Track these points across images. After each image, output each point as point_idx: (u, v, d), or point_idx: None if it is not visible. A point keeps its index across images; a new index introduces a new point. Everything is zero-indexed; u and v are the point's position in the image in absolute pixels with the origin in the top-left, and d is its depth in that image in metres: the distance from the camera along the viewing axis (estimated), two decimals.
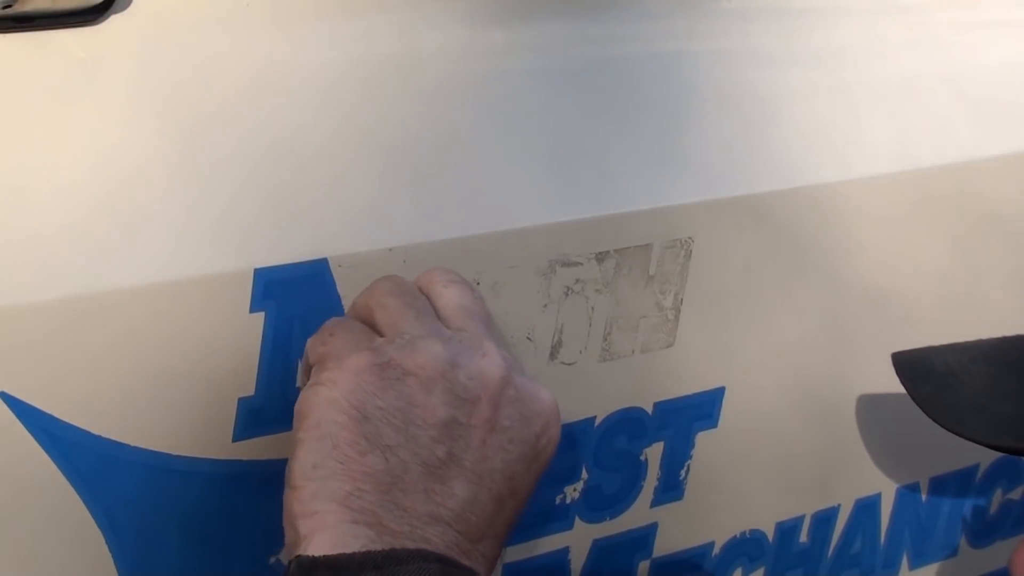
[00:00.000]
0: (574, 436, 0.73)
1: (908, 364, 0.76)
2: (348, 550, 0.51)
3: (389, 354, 0.55)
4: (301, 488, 0.53)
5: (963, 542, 0.99)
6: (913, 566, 0.97)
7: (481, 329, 0.59)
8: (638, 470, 0.77)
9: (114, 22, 0.60)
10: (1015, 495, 1.00)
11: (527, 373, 0.61)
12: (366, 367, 0.55)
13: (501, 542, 0.58)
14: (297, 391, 0.58)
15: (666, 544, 0.81)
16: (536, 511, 0.74)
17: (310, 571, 0.50)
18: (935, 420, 0.73)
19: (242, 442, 0.61)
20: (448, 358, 0.56)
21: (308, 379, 0.57)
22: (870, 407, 0.86)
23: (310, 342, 0.58)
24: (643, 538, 0.79)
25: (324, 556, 0.51)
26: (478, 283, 0.66)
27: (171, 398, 0.59)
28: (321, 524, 0.52)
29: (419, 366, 0.55)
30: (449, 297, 0.60)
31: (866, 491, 0.90)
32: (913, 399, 0.74)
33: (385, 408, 0.54)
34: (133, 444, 0.58)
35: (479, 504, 0.55)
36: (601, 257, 0.69)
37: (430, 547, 0.53)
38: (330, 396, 0.54)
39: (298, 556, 0.51)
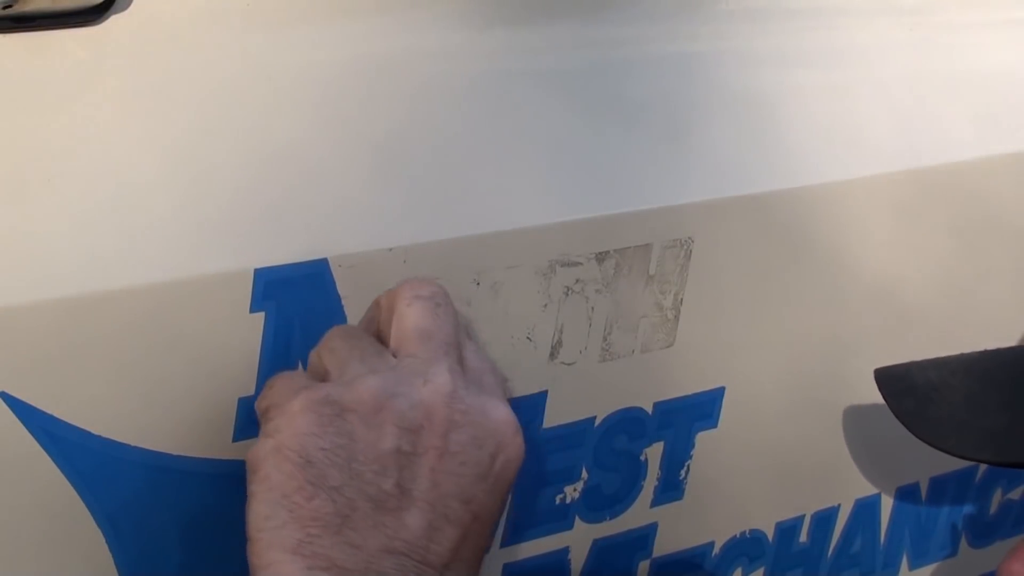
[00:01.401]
0: (574, 436, 0.73)
1: (890, 379, 0.76)
2: None
3: (326, 391, 0.55)
4: (256, 540, 0.54)
5: (963, 542, 0.99)
6: (913, 566, 0.97)
7: (435, 351, 0.58)
8: (638, 470, 0.77)
9: (114, 22, 0.60)
10: (1015, 495, 1.00)
11: (504, 381, 0.61)
12: (303, 408, 0.54)
13: (473, 565, 0.57)
14: None
15: (666, 544, 0.81)
16: (536, 511, 0.74)
17: None
18: (917, 435, 0.73)
19: (242, 442, 0.61)
20: (386, 389, 0.55)
21: None
22: (870, 407, 0.86)
23: (259, 398, 0.58)
24: (643, 538, 0.79)
25: None
26: (478, 283, 0.66)
27: (171, 398, 0.59)
28: (276, 574, 0.52)
29: (357, 401, 0.55)
30: (408, 319, 0.59)
31: (866, 491, 0.90)
32: (895, 414, 0.74)
33: (327, 449, 0.54)
34: (133, 444, 0.58)
35: (437, 532, 0.55)
36: (601, 257, 0.69)
37: None
38: (275, 445, 0.54)
39: None
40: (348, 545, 0.53)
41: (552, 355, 0.70)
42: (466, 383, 0.58)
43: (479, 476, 0.57)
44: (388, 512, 0.54)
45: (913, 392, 0.75)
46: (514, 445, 0.58)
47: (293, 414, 0.54)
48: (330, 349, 0.58)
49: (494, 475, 0.57)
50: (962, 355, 0.77)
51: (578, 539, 0.76)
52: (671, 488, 0.79)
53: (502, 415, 0.58)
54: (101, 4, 0.59)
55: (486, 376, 0.60)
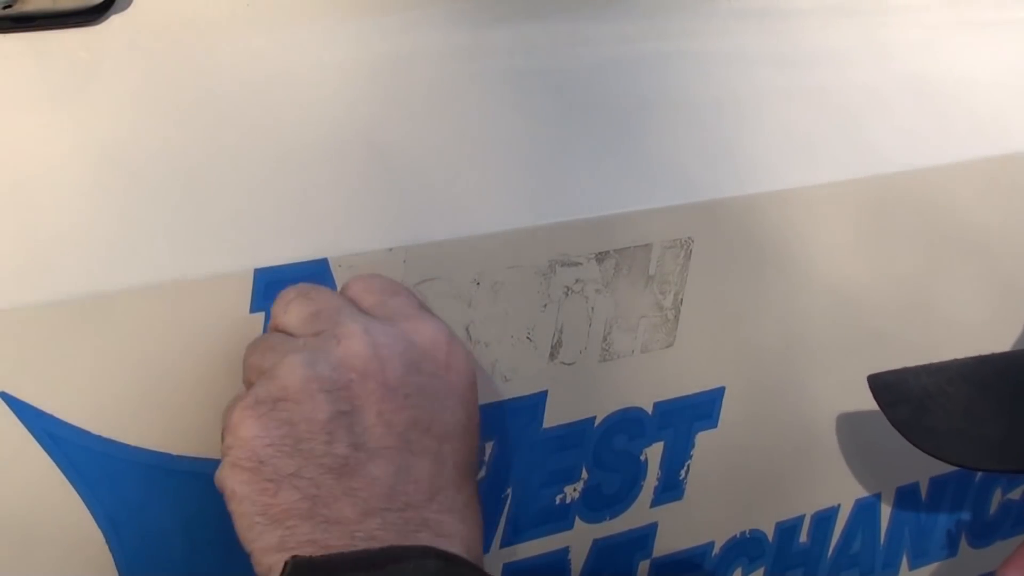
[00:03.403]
0: (574, 436, 0.73)
1: (885, 387, 0.76)
2: None
3: (253, 393, 0.56)
4: (251, 552, 0.55)
5: (963, 542, 0.99)
6: (913, 566, 0.97)
7: (329, 318, 0.58)
8: (638, 470, 0.77)
9: (114, 22, 0.60)
10: (1015, 495, 1.00)
11: (409, 293, 0.60)
12: (240, 418, 0.55)
13: (463, 486, 0.57)
14: None
15: (666, 544, 0.81)
16: (536, 511, 0.74)
17: (305, 572, 0.51)
18: (914, 444, 0.73)
19: None
20: (304, 362, 0.56)
21: None
22: (870, 407, 0.86)
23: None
24: (643, 538, 0.79)
25: (321, 556, 0.51)
26: (478, 283, 0.66)
27: (171, 398, 0.59)
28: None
29: (282, 387, 0.55)
30: (291, 318, 0.59)
31: (866, 491, 0.90)
32: (891, 423, 0.74)
33: (273, 443, 0.55)
34: (133, 444, 0.58)
35: (409, 471, 0.55)
36: (601, 257, 0.69)
37: (376, 543, 0.53)
38: (231, 462, 0.55)
39: (294, 557, 0.52)
40: (327, 523, 0.54)
41: (552, 355, 0.70)
42: (378, 320, 0.58)
43: (431, 397, 0.57)
44: (353, 475, 0.55)
45: (908, 400, 0.75)
46: (453, 354, 0.58)
47: (235, 427, 0.55)
48: (248, 366, 0.59)
49: (446, 388, 0.57)
50: (956, 360, 0.77)
51: (578, 539, 0.76)
52: (671, 488, 0.79)
53: (428, 332, 0.58)
54: (101, 4, 0.59)
55: (391, 302, 0.59)
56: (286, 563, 0.51)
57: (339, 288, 0.61)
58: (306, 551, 0.53)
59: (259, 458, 0.55)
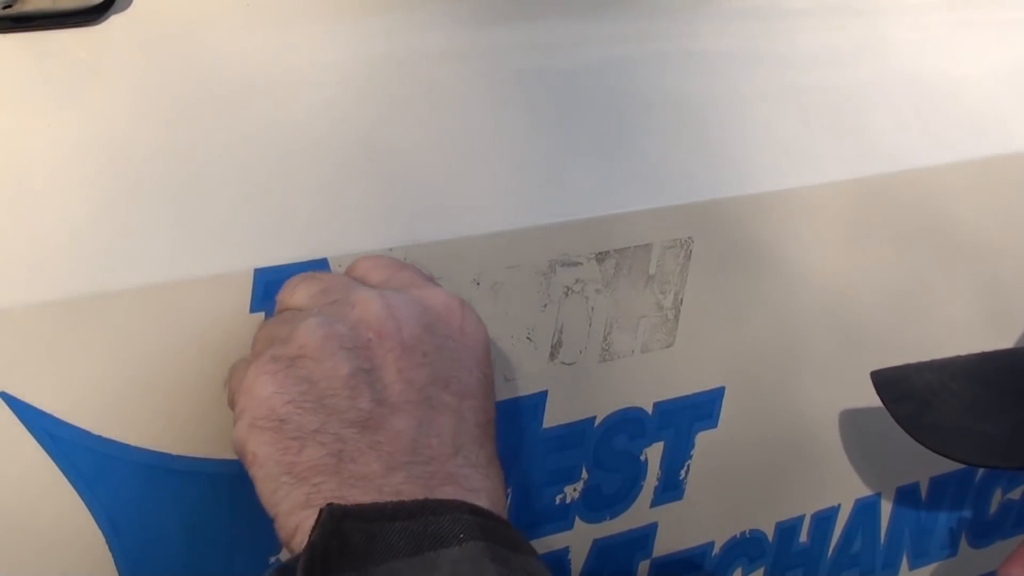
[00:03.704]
0: (574, 436, 0.73)
1: (888, 384, 0.76)
2: None
3: (269, 353, 0.56)
4: (275, 515, 0.54)
5: (963, 542, 0.99)
6: (913, 566, 0.97)
7: (340, 290, 0.58)
8: (638, 470, 0.77)
9: (114, 22, 0.60)
10: (1014, 495, 1.00)
11: (414, 267, 0.61)
12: (255, 376, 0.55)
13: (484, 442, 0.57)
14: None
15: (666, 544, 0.81)
16: (536, 511, 0.74)
17: (340, 520, 0.50)
18: (918, 440, 0.73)
19: None
20: (322, 322, 0.56)
21: None
22: (870, 407, 0.86)
23: (228, 389, 0.59)
24: (643, 538, 0.79)
25: (355, 505, 0.51)
26: (478, 283, 0.66)
27: (171, 398, 0.59)
28: (304, 533, 0.52)
29: (300, 345, 0.55)
30: (298, 297, 0.59)
31: (866, 491, 0.90)
32: (895, 419, 0.74)
33: (293, 400, 0.54)
34: (133, 444, 0.58)
35: (431, 426, 0.55)
36: (601, 257, 0.69)
37: (403, 497, 0.53)
38: (247, 424, 0.55)
39: (329, 505, 0.51)
40: (354, 478, 0.53)
41: (552, 355, 0.70)
42: (390, 289, 0.58)
43: (448, 357, 0.57)
44: (376, 429, 0.54)
45: (912, 396, 0.75)
46: (467, 318, 0.58)
47: (250, 386, 0.55)
48: (258, 339, 0.59)
49: (461, 352, 0.58)
50: (959, 357, 0.77)
51: (578, 539, 0.76)
52: (671, 488, 0.79)
53: (440, 297, 0.58)
54: (101, 4, 0.59)
55: (400, 275, 0.60)
56: (321, 511, 0.50)
57: (348, 268, 0.61)
58: None
59: (279, 416, 0.54)
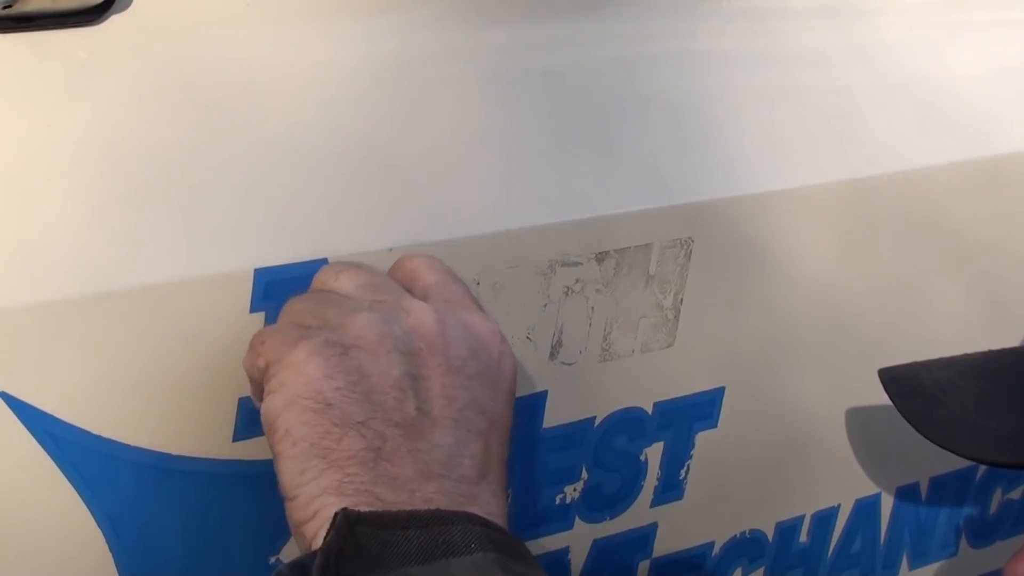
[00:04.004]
0: (574, 436, 0.73)
1: (896, 380, 0.76)
2: None
3: (324, 336, 0.55)
4: (296, 496, 0.53)
5: (963, 542, 0.99)
6: (913, 566, 0.97)
7: (393, 291, 0.58)
8: (638, 470, 0.77)
9: (114, 22, 0.60)
10: (1015, 495, 1.00)
11: (467, 289, 0.61)
12: (307, 356, 0.54)
13: (501, 476, 0.57)
14: None
15: (666, 544, 0.81)
16: (536, 511, 0.74)
17: (354, 525, 0.50)
18: (926, 436, 0.73)
19: (242, 442, 0.61)
20: (381, 319, 0.55)
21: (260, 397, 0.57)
22: (870, 407, 0.86)
23: (246, 362, 0.57)
24: (643, 538, 0.79)
25: (369, 512, 0.51)
26: (478, 283, 0.66)
27: (171, 398, 0.59)
28: (324, 519, 0.51)
29: (358, 336, 0.55)
30: (345, 285, 0.58)
31: (866, 491, 0.90)
32: (903, 416, 0.74)
33: (342, 387, 0.54)
34: (133, 444, 0.58)
35: (464, 447, 0.55)
36: (601, 257, 0.69)
37: (432, 506, 0.53)
38: (287, 400, 0.54)
39: (344, 509, 0.50)
40: (387, 476, 0.53)
41: (552, 355, 0.70)
42: (440, 304, 0.58)
43: (485, 385, 0.57)
44: (417, 436, 0.54)
45: (920, 393, 0.75)
46: (504, 353, 0.59)
47: (299, 363, 0.54)
48: (297, 310, 0.58)
49: (497, 381, 0.58)
50: (967, 355, 0.77)
51: (578, 539, 0.76)
52: (671, 488, 0.79)
53: (486, 325, 0.59)
54: (101, 4, 0.59)
55: (450, 287, 0.60)
56: (336, 514, 0.50)
57: (397, 262, 0.61)
58: (362, 500, 0.52)
59: (327, 400, 0.53)
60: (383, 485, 0.53)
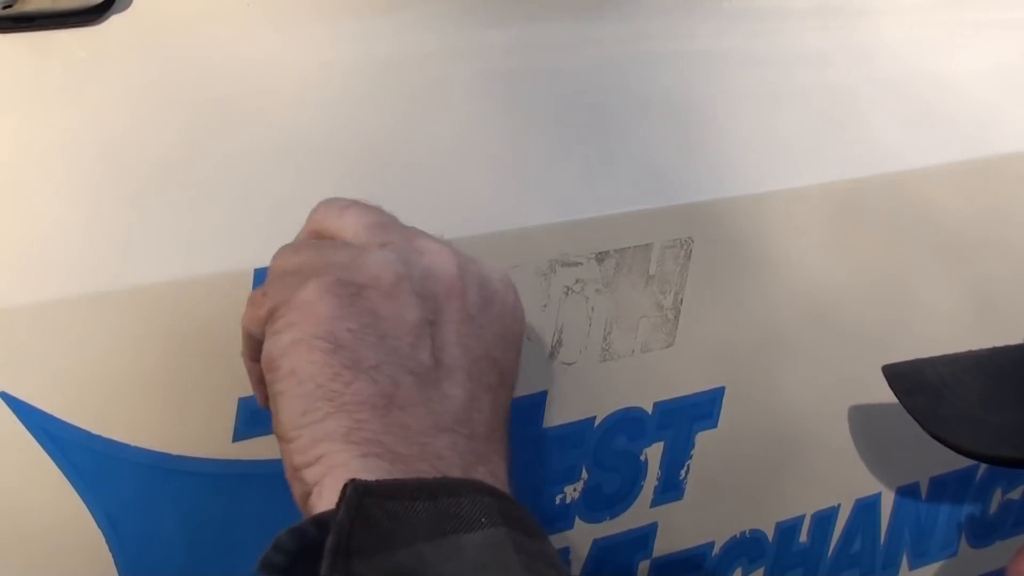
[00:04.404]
0: (574, 436, 0.73)
1: (901, 376, 0.76)
2: None
3: (336, 274, 0.51)
4: (297, 438, 0.50)
5: (963, 542, 0.99)
6: (913, 566, 0.97)
7: (402, 235, 0.54)
8: (638, 470, 0.77)
9: (114, 22, 0.60)
10: (1015, 495, 1.00)
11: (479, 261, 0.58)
12: (319, 295, 0.50)
13: (505, 437, 0.55)
14: None
15: (666, 544, 0.81)
16: (536, 511, 0.74)
17: (363, 496, 0.46)
18: (930, 433, 0.73)
19: (242, 442, 0.61)
20: (398, 259, 0.52)
21: (254, 368, 0.53)
22: (870, 406, 0.86)
23: (245, 318, 0.53)
24: (643, 538, 0.79)
25: (378, 481, 0.47)
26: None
27: (171, 398, 0.59)
28: (329, 466, 0.49)
29: (373, 276, 0.51)
30: (350, 224, 0.54)
31: (866, 491, 0.90)
32: (908, 411, 0.74)
33: (355, 329, 0.50)
34: (133, 444, 0.58)
35: (477, 400, 0.53)
36: (601, 257, 0.69)
37: (443, 463, 0.50)
38: (295, 338, 0.50)
39: (354, 480, 0.47)
40: (398, 426, 0.50)
41: (552, 355, 0.70)
42: (455, 250, 0.55)
43: (498, 336, 0.54)
44: (431, 385, 0.51)
45: (924, 389, 0.74)
46: (517, 305, 0.56)
47: (309, 303, 0.50)
48: (299, 260, 0.53)
49: (509, 333, 0.55)
50: (971, 352, 0.77)
51: (578, 539, 0.76)
52: (671, 488, 0.79)
53: (500, 276, 0.55)
54: (101, 4, 0.59)
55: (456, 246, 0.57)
56: (345, 486, 0.46)
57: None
58: (371, 451, 0.49)
59: (338, 341, 0.50)
60: (394, 435, 0.50)
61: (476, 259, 0.55)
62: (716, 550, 0.84)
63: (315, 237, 0.55)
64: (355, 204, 0.55)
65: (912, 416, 0.74)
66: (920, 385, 0.75)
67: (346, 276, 0.51)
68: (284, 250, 0.54)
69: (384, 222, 0.54)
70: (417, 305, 0.52)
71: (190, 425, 0.60)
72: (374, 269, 0.51)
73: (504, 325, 0.55)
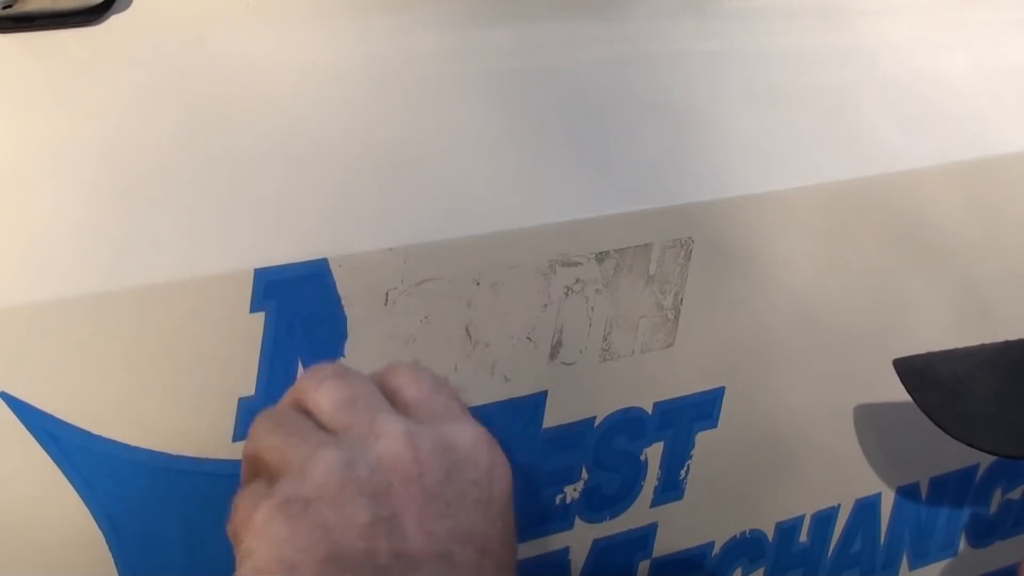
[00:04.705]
0: (574, 436, 0.73)
1: (913, 372, 0.74)
2: None
3: (284, 492, 0.52)
4: None
5: (963, 542, 0.99)
6: (913, 566, 0.97)
7: (368, 410, 0.54)
8: (638, 470, 0.77)
9: (114, 22, 0.60)
10: (1015, 495, 1.00)
11: (455, 393, 0.57)
12: (267, 518, 0.51)
13: None
14: None
15: (666, 544, 0.81)
16: (536, 511, 0.74)
17: None
18: (946, 431, 0.72)
19: (242, 442, 0.61)
20: (341, 460, 0.52)
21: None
22: (870, 407, 0.86)
23: (228, 528, 0.55)
24: (643, 538, 0.79)
25: None
26: (478, 283, 0.66)
27: (171, 398, 0.59)
28: None
29: (318, 487, 0.51)
30: (324, 402, 0.55)
31: (866, 491, 0.90)
32: (922, 410, 0.72)
33: (305, 548, 0.51)
34: (133, 444, 0.58)
35: None
36: (601, 257, 0.69)
37: None
38: (253, 567, 0.51)
39: None
40: None
41: (552, 355, 0.70)
42: (417, 421, 0.54)
43: (470, 508, 0.53)
44: None
45: (938, 386, 0.73)
46: (495, 462, 0.55)
47: (259, 528, 0.51)
48: (267, 446, 0.54)
49: (487, 498, 0.54)
50: (983, 346, 0.76)
51: (578, 539, 0.76)
52: (671, 488, 0.79)
53: (469, 437, 0.54)
54: (101, 4, 0.59)
55: (434, 400, 0.56)
56: None
57: (384, 369, 0.57)
58: None
59: (290, 564, 0.51)
60: None
61: (450, 423, 0.55)
62: (716, 550, 0.84)
63: (295, 406, 0.56)
64: (332, 377, 0.55)
65: (927, 415, 0.72)
66: (932, 382, 0.73)
67: (292, 492, 0.52)
68: (264, 421, 0.55)
69: (352, 398, 0.54)
70: (367, 506, 0.51)
71: (190, 425, 0.60)
72: (319, 477, 0.52)
73: (480, 490, 0.54)
